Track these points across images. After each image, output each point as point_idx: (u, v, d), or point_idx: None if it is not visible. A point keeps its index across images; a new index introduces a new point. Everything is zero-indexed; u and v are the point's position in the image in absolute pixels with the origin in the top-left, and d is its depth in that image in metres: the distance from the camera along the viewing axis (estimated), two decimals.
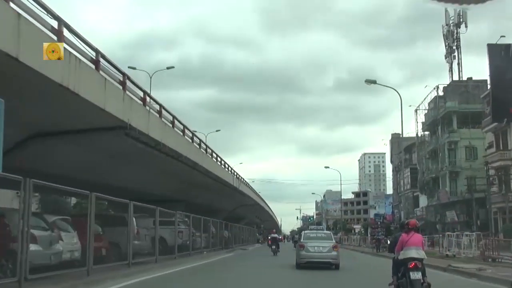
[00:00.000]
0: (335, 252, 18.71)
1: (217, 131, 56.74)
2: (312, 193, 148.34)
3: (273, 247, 30.29)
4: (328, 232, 25.87)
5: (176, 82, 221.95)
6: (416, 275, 9.04)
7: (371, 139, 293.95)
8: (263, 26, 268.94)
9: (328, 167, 69.31)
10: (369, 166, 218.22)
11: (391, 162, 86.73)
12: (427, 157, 60.75)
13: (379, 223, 56.46)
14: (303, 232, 23.71)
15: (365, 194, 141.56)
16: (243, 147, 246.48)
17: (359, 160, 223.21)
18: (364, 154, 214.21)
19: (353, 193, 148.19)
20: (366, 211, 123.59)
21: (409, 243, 9.22)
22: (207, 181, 32.41)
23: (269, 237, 33.13)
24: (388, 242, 18.41)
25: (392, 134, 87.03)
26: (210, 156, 34.72)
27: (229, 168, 42.22)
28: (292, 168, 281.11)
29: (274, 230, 47.22)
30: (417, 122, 63.91)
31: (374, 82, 27.97)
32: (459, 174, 53.04)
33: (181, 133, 25.01)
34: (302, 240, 19.79)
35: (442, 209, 55.13)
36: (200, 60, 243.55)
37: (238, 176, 44.92)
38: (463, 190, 51.07)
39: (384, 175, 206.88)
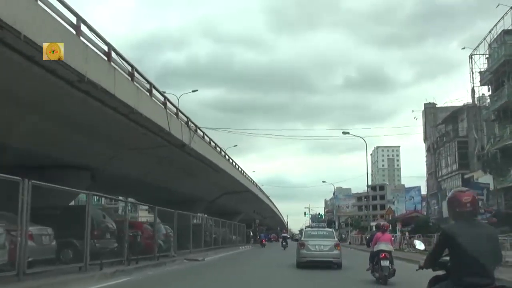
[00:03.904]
0: (337, 250, 17.92)
1: (193, 91, 46.55)
2: (323, 182, 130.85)
3: (284, 243, 40.78)
4: (330, 229, 24.42)
5: (185, 82, 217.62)
6: (385, 263, 12.32)
7: (381, 138, 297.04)
8: (271, 26, 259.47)
9: (348, 133, 50.90)
10: (382, 160, 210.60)
11: (425, 140, 67.24)
12: (492, 119, 41.36)
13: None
14: (304, 229, 23.68)
15: (382, 187, 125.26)
16: (252, 147, 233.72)
17: (371, 154, 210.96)
18: (377, 147, 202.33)
19: (368, 186, 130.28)
20: (383, 207, 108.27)
21: (382, 239, 12.81)
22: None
23: (281, 236, 48.03)
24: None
25: (425, 104, 67.87)
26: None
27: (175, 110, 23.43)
28: (302, 167, 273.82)
29: (285, 230, 60.34)
30: (473, 73, 44.80)
31: None
32: None
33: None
34: (302, 238, 19.08)
35: None
36: (208, 60, 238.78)
37: (193, 125, 25.43)
38: None
39: (399, 169, 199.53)
